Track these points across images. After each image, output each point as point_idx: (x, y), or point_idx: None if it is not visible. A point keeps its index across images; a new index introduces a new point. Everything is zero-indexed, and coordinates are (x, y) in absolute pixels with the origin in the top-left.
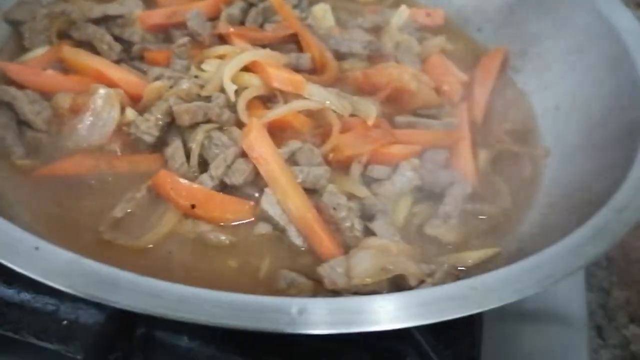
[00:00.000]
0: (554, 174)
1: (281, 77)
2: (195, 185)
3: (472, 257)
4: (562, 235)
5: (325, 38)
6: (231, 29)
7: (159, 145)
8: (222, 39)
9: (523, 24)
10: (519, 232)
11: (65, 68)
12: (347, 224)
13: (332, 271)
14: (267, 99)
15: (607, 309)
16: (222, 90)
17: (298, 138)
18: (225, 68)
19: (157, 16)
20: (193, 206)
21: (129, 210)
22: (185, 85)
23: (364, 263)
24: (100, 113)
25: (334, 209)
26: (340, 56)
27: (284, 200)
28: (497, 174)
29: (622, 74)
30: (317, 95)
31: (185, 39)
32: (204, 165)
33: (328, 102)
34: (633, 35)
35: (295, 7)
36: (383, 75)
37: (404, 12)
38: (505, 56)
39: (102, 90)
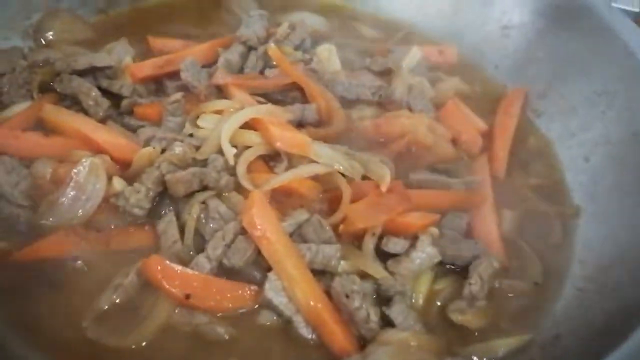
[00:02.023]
0: (586, 237)
1: (285, 138)
2: (189, 272)
3: (502, 345)
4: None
5: (332, 84)
6: (229, 79)
7: (150, 217)
8: (220, 89)
9: (544, 61)
10: (554, 313)
11: (47, 128)
12: (362, 315)
13: None
14: (270, 158)
15: None
16: (220, 151)
17: (304, 204)
18: (223, 128)
19: (148, 68)
20: (188, 296)
21: (116, 301)
22: (178, 149)
23: None
24: (84, 185)
25: (347, 296)
26: (348, 103)
27: (290, 286)
28: (524, 239)
29: None
30: (325, 157)
31: (179, 95)
32: (200, 240)
33: (337, 164)
34: None
35: (297, 47)
36: (395, 125)
37: (416, 54)
38: (524, 97)
39: (85, 160)
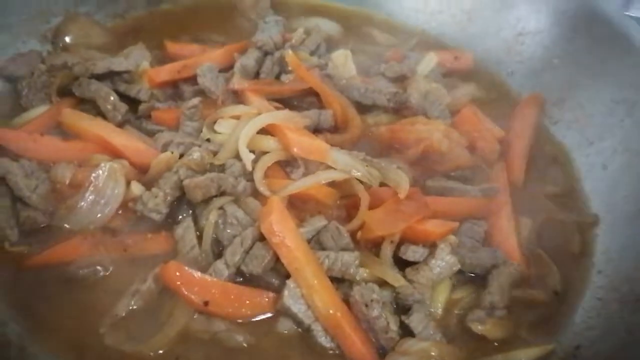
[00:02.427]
0: (605, 246)
1: (303, 144)
2: (208, 278)
3: (523, 356)
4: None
5: (348, 89)
6: (245, 85)
7: (168, 222)
8: (236, 93)
9: (559, 69)
10: (574, 323)
11: (65, 131)
12: (382, 324)
13: None
14: (286, 164)
15: None
16: (237, 156)
17: (322, 210)
18: (240, 133)
19: (165, 73)
20: (206, 303)
21: (133, 307)
22: (196, 154)
23: None
24: (103, 190)
25: (366, 305)
26: (363, 109)
27: (309, 294)
28: (543, 248)
29: None
30: (342, 163)
31: (197, 100)
32: (217, 245)
33: (354, 171)
34: None
35: (312, 53)
36: (411, 132)
37: (431, 60)
38: (540, 103)
39: (104, 165)
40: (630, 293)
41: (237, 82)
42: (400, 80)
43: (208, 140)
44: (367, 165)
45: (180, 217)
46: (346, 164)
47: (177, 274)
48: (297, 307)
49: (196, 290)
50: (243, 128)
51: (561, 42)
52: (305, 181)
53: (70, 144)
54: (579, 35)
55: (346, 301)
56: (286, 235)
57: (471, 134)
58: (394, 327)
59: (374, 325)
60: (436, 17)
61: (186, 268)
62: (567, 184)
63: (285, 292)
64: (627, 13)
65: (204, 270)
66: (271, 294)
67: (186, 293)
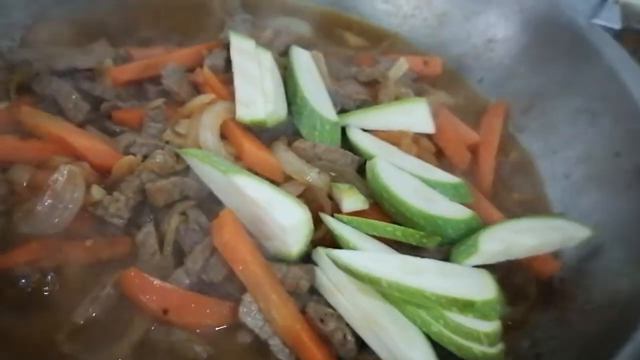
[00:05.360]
0: (566, 255)
1: (256, 158)
2: (168, 286)
3: None
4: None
5: None
6: (208, 76)
7: (130, 227)
8: (200, 91)
9: (528, 77)
10: (533, 332)
11: (23, 130)
12: (339, 337)
13: None
14: None
15: None
16: None
17: None
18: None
19: (129, 72)
20: (165, 311)
21: (92, 314)
22: (159, 157)
23: None
24: (62, 194)
25: (321, 320)
26: None
27: (267, 308)
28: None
29: None
30: (294, 169)
31: (160, 101)
32: (178, 253)
33: (306, 176)
34: None
35: (282, 54)
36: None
37: (402, 65)
38: (506, 111)
39: (63, 168)
40: (589, 302)
41: (199, 74)
42: (372, 84)
43: (167, 142)
44: (319, 172)
45: (143, 222)
46: (298, 170)
47: (136, 280)
48: (254, 323)
49: (155, 298)
50: (199, 121)
51: (529, 50)
52: None
53: (29, 144)
54: (546, 43)
55: (304, 312)
56: (240, 248)
57: (442, 140)
58: (351, 338)
59: (331, 338)
60: (408, 21)
61: (145, 275)
62: (531, 191)
63: (241, 309)
64: (594, 21)
65: (165, 277)
66: (232, 304)
67: (145, 301)
